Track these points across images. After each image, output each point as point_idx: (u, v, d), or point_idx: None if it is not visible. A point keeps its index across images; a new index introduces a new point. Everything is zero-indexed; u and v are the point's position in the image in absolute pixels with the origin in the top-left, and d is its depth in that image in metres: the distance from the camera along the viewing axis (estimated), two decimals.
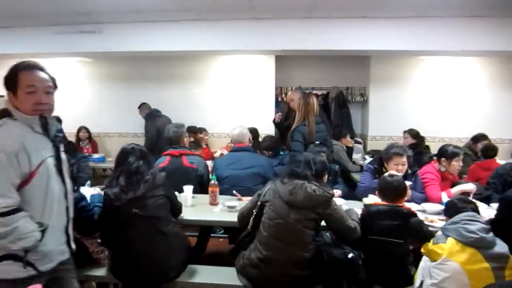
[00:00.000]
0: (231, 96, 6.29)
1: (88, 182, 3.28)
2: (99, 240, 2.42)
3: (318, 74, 6.45)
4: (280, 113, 4.30)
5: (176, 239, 2.34)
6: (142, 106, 5.95)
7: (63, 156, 1.87)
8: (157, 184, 2.29)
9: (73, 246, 1.90)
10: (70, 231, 1.88)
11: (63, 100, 6.24)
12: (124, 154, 2.35)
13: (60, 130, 1.91)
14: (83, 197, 2.34)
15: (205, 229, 3.51)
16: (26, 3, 4.19)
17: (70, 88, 6.46)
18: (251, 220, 2.36)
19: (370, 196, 2.90)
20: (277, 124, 4.28)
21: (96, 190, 2.73)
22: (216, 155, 5.39)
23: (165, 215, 2.33)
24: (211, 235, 3.79)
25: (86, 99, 6.49)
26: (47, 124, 1.75)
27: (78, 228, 2.36)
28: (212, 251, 3.75)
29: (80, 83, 6.50)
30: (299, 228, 2.16)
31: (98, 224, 2.37)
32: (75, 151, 4.52)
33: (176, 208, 2.49)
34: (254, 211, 2.36)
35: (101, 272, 2.42)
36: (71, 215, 1.89)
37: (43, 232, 1.65)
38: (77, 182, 2.58)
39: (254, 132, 4.81)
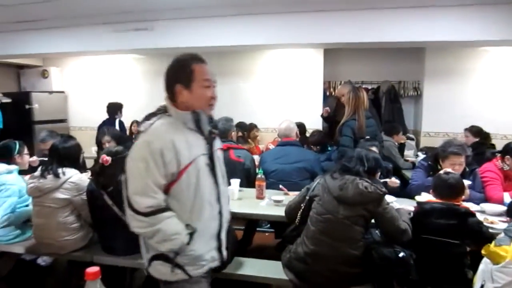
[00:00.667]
0: (278, 91, 6.27)
1: None
2: None
3: (368, 67, 6.24)
4: (327, 108, 4.22)
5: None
6: None
7: (219, 154, 1.76)
8: None
9: (225, 253, 1.76)
10: (223, 237, 1.73)
11: (119, 95, 6.61)
12: None
13: (215, 126, 1.78)
14: None
15: (251, 222, 3.54)
16: (85, 3, 4.42)
17: (125, 83, 6.80)
18: (298, 214, 2.35)
19: (423, 194, 2.76)
20: (325, 119, 4.20)
21: None
22: (262, 148, 5.43)
23: None
24: (257, 229, 3.82)
25: (139, 94, 6.76)
26: (200, 121, 1.64)
27: None
28: (258, 245, 3.78)
29: (134, 79, 6.79)
30: (348, 224, 2.11)
31: None
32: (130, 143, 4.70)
33: None
34: (302, 205, 2.34)
35: None
36: (226, 220, 1.76)
37: (191, 235, 1.56)
38: None
39: (301, 127, 4.76)
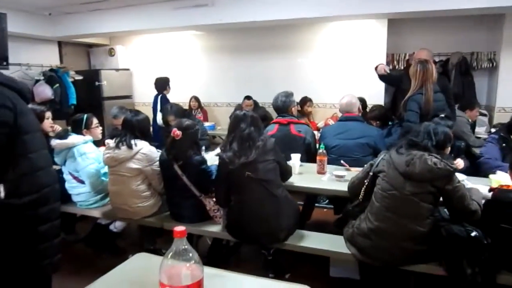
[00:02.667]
0: (337, 65, 6.08)
1: (204, 147, 3.53)
2: (215, 199, 2.62)
3: (436, 38, 5.80)
4: (384, 65, 4.01)
5: (286, 202, 2.41)
6: None
7: None
8: (267, 149, 2.36)
9: None
10: None
11: (179, 71, 6.82)
12: (236, 121, 2.45)
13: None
14: (204, 161, 2.55)
15: (311, 197, 3.55)
16: None
17: (184, 60, 6.98)
18: (362, 190, 2.32)
19: (499, 172, 2.58)
20: (381, 78, 4.01)
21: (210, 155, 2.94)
22: (320, 125, 5.36)
23: (275, 179, 2.41)
24: (315, 205, 3.83)
25: (198, 70, 6.93)
26: None
27: (199, 187, 2.61)
28: (316, 220, 3.80)
29: (193, 55, 6.95)
30: (415, 201, 2.05)
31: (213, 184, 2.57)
32: (192, 117, 4.83)
33: (286, 170, 2.57)
34: (365, 181, 2.30)
35: (216, 228, 2.64)
36: None
37: None
38: (200, 145, 2.79)
39: (362, 102, 4.61)
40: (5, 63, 4.66)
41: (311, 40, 6.17)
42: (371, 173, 2.27)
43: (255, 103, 6.18)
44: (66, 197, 3.08)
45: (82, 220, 3.71)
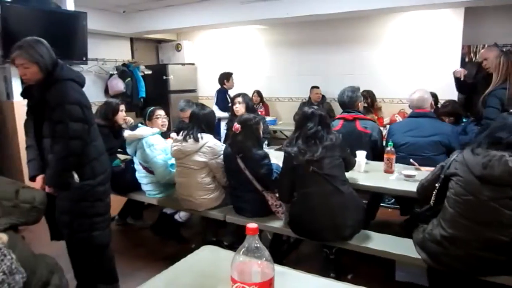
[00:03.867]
0: (407, 58, 5.77)
1: (266, 142, 3.55)
2: (277, 194, 2.61)
3: None
4: (463, 70, 3.72)
5: (352, 199, 2.34)
6: None
7: None
8: (334, 145, 2.31)
9: None
10: None
11: (242, 66, 6.89)
12: (303, 119, 2.40)
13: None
14: (266, 155, 2.55)
15: (376, 197, 3.41)
16: None
17: (247, 54, 7.04)
18: (433, 194, 2.16)
19: None
20: (459, 83, 3.73)
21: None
22: (386, 121, 5.13)
23: (340, 175, 2.35)
24: (380, 204, 3.68)
25: (261, 64, 6.95)
26: None
27: (261, 181, 2.62)
28: (380, 220, 3.65)
29: (256, 49, 6.99)
30: (495, 207, 1.86)
31: (275, 180, 2.57)
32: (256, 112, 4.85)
33: (349, 163, 2.50)
34: (436, 184, 2.14)
35: (278, 224, 2.63)
36: None
37: None
38: (261, 139, 2.80)
39: (433, 97, 4.32)
40: (84, 59, 5.02)
41: (379, 32, 5.91)
42: (442, 176, 2.11)
43: (323, 97, 6.08)
44: (136, 186, 3.26)
45: (149, 208, 3.92)
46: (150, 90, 6.65)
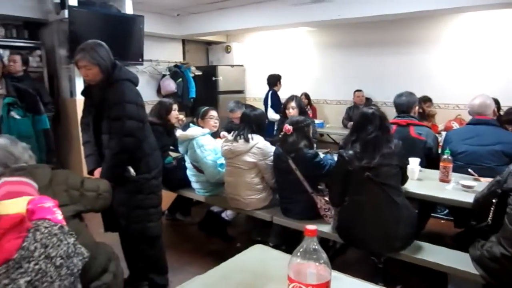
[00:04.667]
0: (465, 61, 5.49)
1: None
2: (327, 198, 2.58)
3: None
4: None
5: (405, 210, 2.26)
6: None
7: None
8: (393, 153, 2.23)
9: None
10: None
11: (290, 68, 6.89)
12: (363, 120, 2.32)
13: None
14: (317, 154, 2.55)
15: (427, 206, 3.27)
16: None
17: (296, 56, 7.04)
18: (491, 211, 2.03)
19: None
20: None
21: None
22: (441, 127, 4.90)
23: (396, 185, 2.27)
24: (431, 214, 3.53)
25: (309, 66, 6.92)
26: None
27: (311, 183, 2.61)
28: (432, 230, 3.51)
29: (305, 51, 6.97)
30: None
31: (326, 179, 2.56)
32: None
33: (404, 177, 2.40)
34: (494, 200, 2.01)
35: (325, 228, 2.59)
36: None
37: None
38: (312, 140, 2.79)
39: (495, 104, 4.08)
40: (140, 60, 5.26)
41: (436, 33, 5.67)
42: (499, 190, 1.98)
43: (367, 99, 5.94)
44: (186, 183, 3.36)
45: (197, 205, 4.02)
46: (199, 90, 6.83)
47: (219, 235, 3.48)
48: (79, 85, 4.68)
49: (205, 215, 3.60)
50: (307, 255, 0.98)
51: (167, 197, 3.57)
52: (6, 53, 4.43)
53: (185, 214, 3.97)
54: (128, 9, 5.20)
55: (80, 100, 4.60)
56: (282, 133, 2.72)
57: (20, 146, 1.74)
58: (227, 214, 3.40)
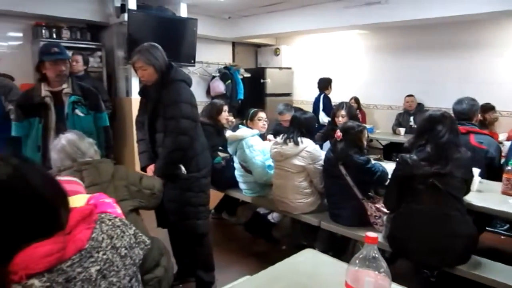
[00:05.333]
0: None
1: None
2: (378, 205, 2.51)
3: None
4: None
5: (466, 224, 2.13)
6: None
7: None
8: (462, 164, 2.11)
9: None
10: None
11: (339, 71, 6.78)
12: (431, 122, 2.20)
13: None
14: (369, 160, 2.49)
15: (484, 219, 3.08)
16: None
17: (345, 59, 6.92)
18: None
19: None
20: None
21: None
22: (502, 137, 4.61)
23: (459, 196, 2.15)
24: (487, 228, 3.32)
25: (359, 70, 6.77)
26: None
27: (362, 189, 2.56)
28: (490, 246, 3.30)
29: (355, 54, 6.82)
30: None
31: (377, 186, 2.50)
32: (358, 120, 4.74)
33: (467, 190, 2.27)
34: None
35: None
36: None
37: None
38: (363, 147, 2.73)
39: None
40: (192, 61, 5.42)
41: (502, 37, 5.31)
42: None
43: (419, 104, 5.72)
44: (234, 183, 3.41)
45: (242, 205, 4.06)
46: (247, 92, 6.90)
47: (265, 236, 3.49)
48: (135, 85, 4.90)
49: (252, 216, 3.63)
50: (366, 262, 0.96)
51: (214, 196, 3.63)
52: (69, 54, 4.74)
53: (231, 213, 4.03)
54: (183, 12, 5.38)
55: (135, 99, 4.82)
56: (333, 139, 2.69)
57: (87, 141, 1.85)
58: (273, 217, 3.40)
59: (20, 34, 4.88)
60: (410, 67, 6.09)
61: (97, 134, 2.69)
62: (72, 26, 5.01)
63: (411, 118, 5.63)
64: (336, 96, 6.18)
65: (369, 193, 2.70)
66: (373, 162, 2.67)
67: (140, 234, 1.06)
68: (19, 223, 0.80)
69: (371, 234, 0.96)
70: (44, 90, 2.53)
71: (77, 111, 2.62)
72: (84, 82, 3.46)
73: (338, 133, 2.65)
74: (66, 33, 4.92)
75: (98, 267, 0.88)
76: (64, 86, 2.58)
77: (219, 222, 4.02)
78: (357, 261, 0.97)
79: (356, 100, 6.29)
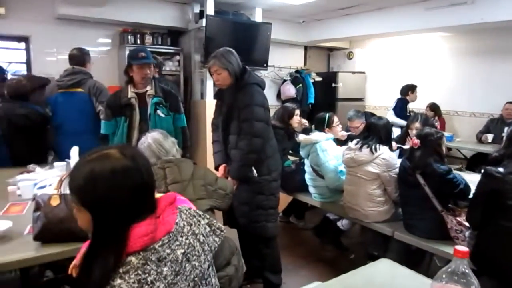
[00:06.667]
0: None
1: None
2: (459, 219, 2.34)
3: None
4: None
5: None
6: None
7: None
8: None
9: None
10: None
11: (417, 75, 6.43)
12: None
13: None
14: (450, 170, 2.34)
15: None
16: None
17: (425, 63, 6.54)
18: None
19: None
20: None
21: None
22: None
23: None
24: None
25: (440, 74, 6.35)
26: None
27: (441, 200, 2.41)
28: None
29: (436, 58, 6.41)
30: None
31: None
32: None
33: None
34: None
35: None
36: None
37: None
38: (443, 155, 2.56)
39: None
40: (265, 65, 5.50)
41: None
42: None
43: None
44: (304, 187, 3.39)
45: (310, 210, 4.02)
46: (318, 96, 6.82)
47: (333, 243, 3.43)
48: (209, 88, 5.11)
49: (321, 221, 3.58)
50: (455, 277, 0.90)
51: (283, 200, 3.64)
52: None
53: (299, 217, 4.01)
54: (258, 17, 5.48)
55: (209, 102, 5.03)
56: (409, 146, 2.57)
57: (170, 140, 1.98)
58: (343, 223, 3.33)
59: (109, 40, 5.33)
60: (500, 72, 5.55)
61: (175, 135, 2.85)
62: (154, 32, 5.35)
63: (505, 128, 5.12)
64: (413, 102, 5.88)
65: (449, 205, 2.52)
66: (454, 172, 2.49)
67: (215, 221, 1.12)
68: (132, 205, 0.92)
69: (461, 248, 0.90)
70: (131, 92, 2.74)
71: (159, 112, 2.80)
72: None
73: (415, 140, 2.52)
74: (148, 39, 5.27)
75: (183, 250, 0.97)
76: (148, 88, 2.78)
77: (286, 225, 4.02)
78: (443, 276, 0.92)
79: (433, 107, 5.91)
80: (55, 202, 1.64)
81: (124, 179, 0.91)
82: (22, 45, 4.89)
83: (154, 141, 1.92)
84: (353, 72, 7.26)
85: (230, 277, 1.87)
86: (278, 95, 6.88)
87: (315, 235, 3.56)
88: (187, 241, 0.99)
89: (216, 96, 2.70)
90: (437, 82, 6.36)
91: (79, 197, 0.92)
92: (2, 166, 2.94)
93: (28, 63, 4.90)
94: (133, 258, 0.89)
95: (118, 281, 0.85)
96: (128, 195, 0.92)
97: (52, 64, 4.65)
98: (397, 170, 2.66)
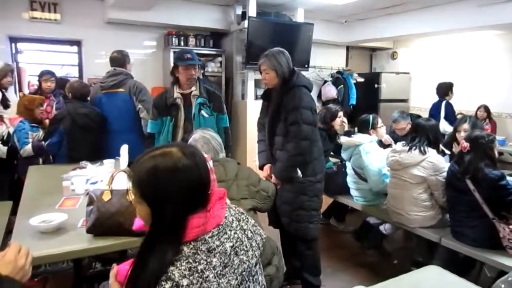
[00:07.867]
0: None
1: None
2: None
3: None
4: None
5: None
6: None
7: None
8: None
9: None
10: None
11: (465, 76, 6.14)
12: None
13: None
14: (503, 176, 2.21)
15: None
16: None
17: (475, 63, 6.24)
18: None
19: None
20: None
21: None
22: None
23: None
24: None
25: (493, 74, 6.02)
26: None
27: (493, 207, 2.29)
28: None
29: (488, 57, 6.10)
30: None
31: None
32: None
33: None
34: None
35: (508, 262, 2.22)
36: None
37: None
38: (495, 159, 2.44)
39: None
40: (306, 66, 5.47)
41: None
42: None
43: None
44: (345, 190, 3.34)
45: (351, 213, 3.95)
46: (360, 97, 6.69)
47: (375, 247, 3.34)
48: (251, 89, 5.15)
49: (361, 225, 3.51)
50: None
51: (323, 201, 3.61)
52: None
53: (339, 220, 3.96)
54: (300, 18, 5.47)
55: (250, 103, 5.07)
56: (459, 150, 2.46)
57: (219, 140, 2.03)
58: (386, 228, 3.24)
59: (154, 43, 5.52)
60: None
61: (218, 134, 2.90)
62: (198, 34, 5.48)
63: None
64: (461, 103, 5.63)
65: (502, 213, 2.39)
66: (508, 178, 2.36)
67: (258, 227, 1.14)
68: (189, 200, 0.98)
69: None
70: (176, 92, 2.82)
71: (203, 112, 2.86)
72: None
73: (464, 144, 2.40)
74: (192, 41, 5.40)
75: (231, 244, 1.00)
76: (193, 88, 2.85)
77: (326, 227, 3.98)
78: (502, 286, 0.87)
79: (486, 108, 5.61)
80: (106, 197, 1.73)
81: (184, 177, 0.96)
82: (75, 48, 5.19)
83: (212, 138, 1.99)
84: (397, 73, 7.06)
85: (271, 277, 1.88)
86: (319, 96, 6.81)
87: (354, 238, 3.50)
88: (236, 235, 1.02)
89: (263, 96, 2.71)
90: (488, 82, 6.04)
91: (141, 190, 0.98)
92: (60, 163, 3.12)
93: (80, 65, 5.18)
94: (184, 248, 0.93)
95: (170, 268, 0.90)
96: (187, 191, 0.96)
97: (101, 66, 4.87)
98: (445, 174, 2.56)
